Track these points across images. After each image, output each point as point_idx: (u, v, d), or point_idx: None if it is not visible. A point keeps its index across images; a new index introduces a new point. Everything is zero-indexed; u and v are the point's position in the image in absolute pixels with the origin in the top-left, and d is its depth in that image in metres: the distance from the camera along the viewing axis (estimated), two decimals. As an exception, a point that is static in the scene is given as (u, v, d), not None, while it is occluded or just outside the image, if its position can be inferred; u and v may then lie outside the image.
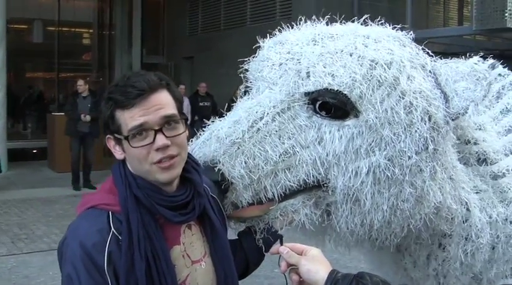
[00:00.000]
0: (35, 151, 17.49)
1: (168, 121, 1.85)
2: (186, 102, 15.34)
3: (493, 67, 2.67)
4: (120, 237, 1.80)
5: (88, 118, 12.26)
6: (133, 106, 1.81)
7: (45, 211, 11.06)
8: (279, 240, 1.93)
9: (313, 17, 2.67)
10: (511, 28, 11.76)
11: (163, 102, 1.85)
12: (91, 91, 12.86)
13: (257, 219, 2.27)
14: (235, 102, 2.50)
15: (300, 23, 2.62)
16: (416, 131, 2.30)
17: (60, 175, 13.90)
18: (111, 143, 1.91)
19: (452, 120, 2.46)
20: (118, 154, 1.91)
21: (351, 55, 2.33)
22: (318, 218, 2.34)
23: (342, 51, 2.35)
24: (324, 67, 2.30)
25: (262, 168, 2.20)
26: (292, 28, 2.62)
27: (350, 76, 2.27)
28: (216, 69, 17.84)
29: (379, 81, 2.29)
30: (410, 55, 2.44)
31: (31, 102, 21.25)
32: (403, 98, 2.30)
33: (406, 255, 2.75)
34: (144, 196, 1.85)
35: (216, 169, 2.14)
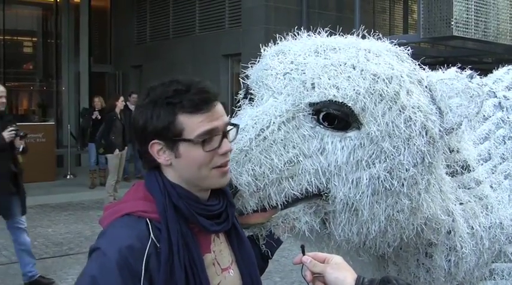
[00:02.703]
0: None
1: (228, 128, 1.92)
2: None
3: (471, 77, 2.77)
4: (158, 244, 1.81)
5: None
6: (203, 112, 1.85)
7: (0, 224, 10.79)
8: (301, 250, 1.97)
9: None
10: (457, 36, 12.08)
11: (223, 110, 1.93)
12: None
13: (260, 226, 2.32)
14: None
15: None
16: (414, 144, 2.38)
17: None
18: (155, 149, 1.88)
19: (446, 134, 2.54)
20: (165, 160, 1.89)
21: (354, 69, 2.39)
22: (317, 226, 2.40)
23: (345, 63, 2.41)
24: (329, 79, 2.35)
25: (268, 176, 2.24)
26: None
27: (354, 89, 2.33)
28: (165, 78, 17.72)
29: (381, 95, 2.35)
30: (408, 70, 2.52)
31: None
32: (403, 112, 2.37)
33: (390, 263, 2.82)
34: (184, 205, 1.87)
35: None
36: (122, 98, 12.75)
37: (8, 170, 7.00)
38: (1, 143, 6.88)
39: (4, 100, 7.13)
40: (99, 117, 14.49)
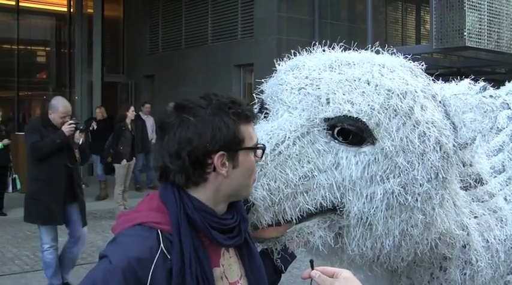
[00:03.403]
0: None
1: None
2: (151, 121, 15.31)
3: (484, 89, 2.78)
4: (168, 256, 1.82)
5: None
6: (253, 123, 1.97)
7: (13, 233, 10.92)
8: (310, 264, 1.98)
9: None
10: (470, 46, 12.05)
11: None
12: None
13: (274, 240, 2.33)
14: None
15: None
16: (428, 160, 2.39)
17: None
18: (220, 161, 1.88)
19: (460, 149, 2.55)
20: (226, 172, 1.90)
21: (368, 84, 2.41)
22: (331, 240, 2.41)
23: (359, 79, 2.43)
24: (344, 94, 2.37)
25: (283, 191, 2.26)
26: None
27: (368, 105, 2.35)
28: (177, 88, 17.78)
29: (395, 110, 2.37)
30: (422, 85, 2.53)
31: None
32: (417, 127, 2.39)
33: (403, 277, 2.83)
34: (200, 218, 1.88)
35: None
36: (132, 108, 12.76)
37: (62, 175, 6.86)
38: (61, 139, 6.71)
39: (67, 120, 6.90)
40: (95, 127, 14.35)
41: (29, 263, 8.96)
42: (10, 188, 12.34)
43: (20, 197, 13.21)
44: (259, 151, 1.97)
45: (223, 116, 1.87)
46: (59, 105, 6.91)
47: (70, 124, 6.78)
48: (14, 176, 12.43)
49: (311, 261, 1.98)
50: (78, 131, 6.92)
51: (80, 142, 7.04)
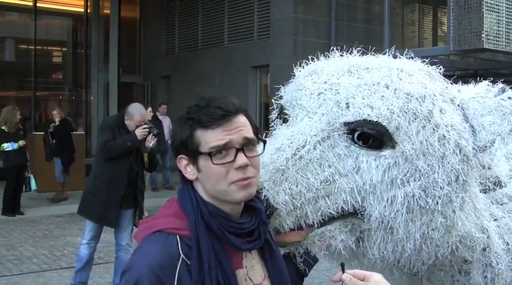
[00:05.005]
0: None
1: (247, 143, 1.91)
2: (168, 121, 15.39)
3: (502, 91, 2.78)
4: (188, 262, 1.84)
5: None
6: (218, 126, 1.87)
7: (31, 232, 11.04)
8: (341, 267, 1.99)
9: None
10: (488, 49, 12.00)
11: (244, 124, 1.92)
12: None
13: (297, 244, 2.35)
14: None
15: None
16: (448, 163, 2.40)
17: (42, 195, 13.74)
18: (182, 163, 1.93)
19: (479, 152, 2.56)
20: (190, 174, 1.93)
21: (387, 88, 2.43)
22: (352, 244, 2.43)
23: (378, 83, 2.44)
24: (363, 98, 2.39)
25: (305, 195, 2.28)
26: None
27: (388, 109, 2.36)
28: (193, 89, 17.85)
29: (414, 113, 2.38)
30: (441, 89, 2.55)
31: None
32: (436, 131, 2.40)
33: (424, 280, 2.84)
34: (216, 224, 1.89)
35: (262, 195, 2.19)
36: (149, 109, 12.76)
37: (125, 178, 6.76)
38: (133, 142, 6.66)
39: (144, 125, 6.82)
40: (51, 130, 13.51)
41: (47, 262, 9.04)
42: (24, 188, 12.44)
43: (37, 197, 13.41)
44: (229, 157, 1.88)
45: (182, 120, 1.93)
46: (135, 113, 6.83)
47: (144, 127, 6.73)
48: (29, 175, 12.52)
49: (342, 265, 1.99)
50: (151, 135, 6.82)
51: (151, 146, 6.90)
